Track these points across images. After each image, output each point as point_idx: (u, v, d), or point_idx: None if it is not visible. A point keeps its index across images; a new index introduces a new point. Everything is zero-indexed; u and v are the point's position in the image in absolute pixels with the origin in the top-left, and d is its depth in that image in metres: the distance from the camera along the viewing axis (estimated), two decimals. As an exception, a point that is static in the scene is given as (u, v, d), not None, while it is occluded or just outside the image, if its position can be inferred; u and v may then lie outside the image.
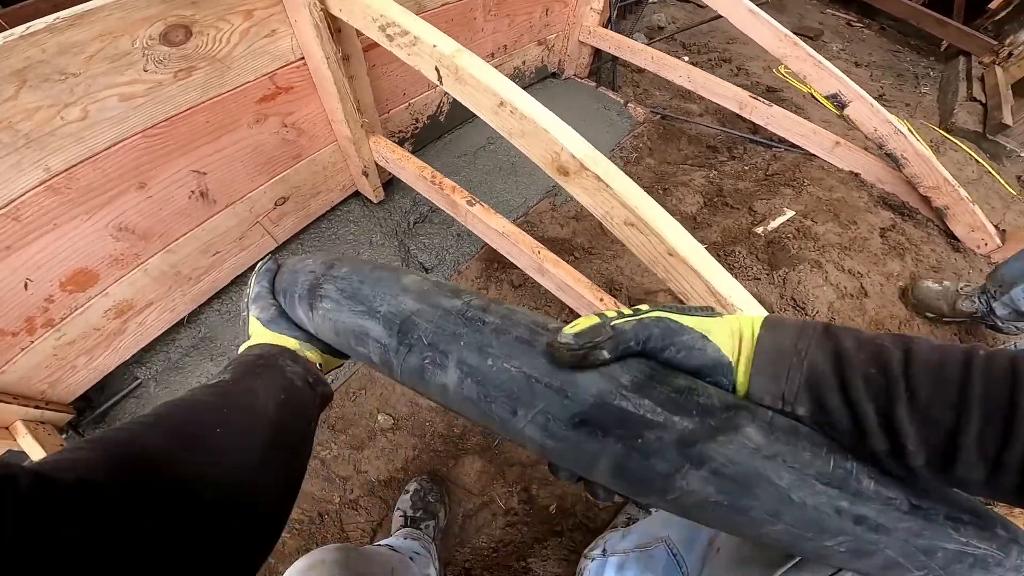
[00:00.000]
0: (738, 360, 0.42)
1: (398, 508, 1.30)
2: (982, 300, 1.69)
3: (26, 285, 1.06)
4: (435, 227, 1.84)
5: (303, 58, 1.24)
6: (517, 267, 1.51)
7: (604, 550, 1.14)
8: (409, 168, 1.52)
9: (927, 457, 0.34)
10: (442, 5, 1.54)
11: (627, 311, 0.44)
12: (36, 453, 1.20)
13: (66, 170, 0.97)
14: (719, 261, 1.69)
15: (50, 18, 0.82)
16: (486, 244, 1.79)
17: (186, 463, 0.40)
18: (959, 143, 2.68)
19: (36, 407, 1.24)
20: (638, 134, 2.38)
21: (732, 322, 0.44)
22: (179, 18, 0.95)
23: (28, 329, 1.13)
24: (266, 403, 0.50)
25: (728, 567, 0.66)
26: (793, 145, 2.21)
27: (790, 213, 2.03)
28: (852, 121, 1.82)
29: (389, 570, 0.84)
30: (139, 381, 1.45)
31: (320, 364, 0.64)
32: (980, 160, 2.60)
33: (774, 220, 2.02)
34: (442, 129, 2.05)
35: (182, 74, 1.02)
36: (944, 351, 0.36)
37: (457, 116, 2.06)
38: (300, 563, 0.71)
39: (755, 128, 2.48)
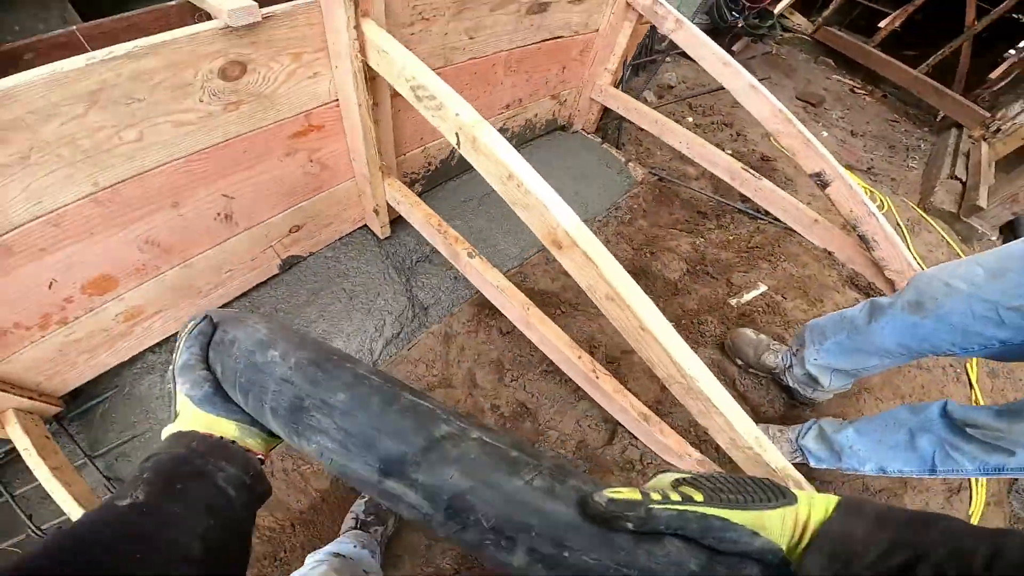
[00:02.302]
0: (798, 542, 0.45)
1: (352, 511, 1.40)
2: (785, 357, 1.78)
3: (51, 285, 1.14)
4: (435, 268, 1.94)
5: (337, 99, 1.35)
6: (507, 316, 1.63)
7: None
8: (418, 214, 1.63)
9: None
10: (469, 59, 1.68)
11: (675, 496, 0.46)
12: (22, 442, 1.26)
13: (112, 186, 1.07)
14: (692, 328, 1.79)
15: (129, 45, 0.91)
16: (480, 291, 1.91)
17: None
18: (934, 224, 2.89)
19: (29, 398, 1.30)
20: (635, 194, 2.52)
21: (797, 510, 0.46)
22: (238, 56, 1.06)
23: (41, 325, 1.20)
24: (189, 544, 0.41)
25: None
26: (776, 218, 2.37)
27: (763, 288, 2.20)
28: (831, 200, 1.98)
29: None
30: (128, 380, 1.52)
31: (262, 454, 0.58)
32: (951, 243, 2.80)
33: (748, 293, 2.18)
34: (451, 173, 2.16)
35: (231, 107, 1.13)
36: None
37: (467, 162, 2.18)
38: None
39: (744, 196, 2.65)
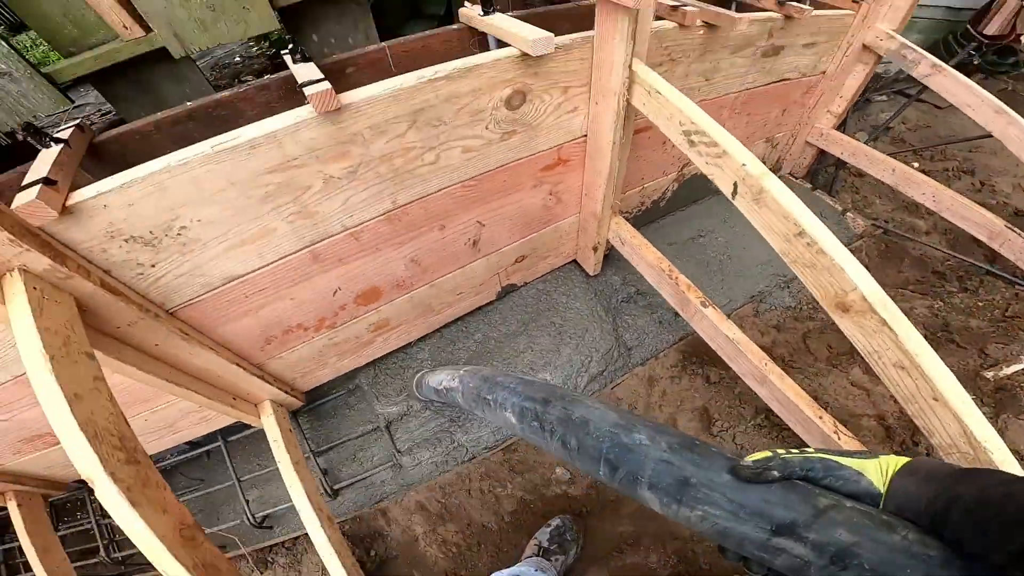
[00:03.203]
0: (886, 489, 0.58)
1: (535, 537, 1.47)
2: None
3: (335, 292, 1.32)
4: (639, 309, 1.94)
5: (586, 135, 1.43)
6: (715, 364, 1.56)
7: None
8: (648, 256, 1.64)
9: None
10: (699, 100, 1.69)
11: (796, 451, 0.64)
12: (273, 432, 1.45)
13: (404, 205, 1.22)
14: None
15: (449, 67, 1.04)
16: (687, 336, 1.87)
17: None
18: None
19: (285, 391, 1.51)
20: (855, 248, 2.32)
21: (883, 461, 0.61)
22: (523, 85, 1.17)
23: (316, 327, 1.40)
24: None
25: None
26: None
27: (1030, 363, 1.88)
28: None
29: None
30: (356, 385, 1.74)
31: None
32: None
33: (1009, 367, 1.87)
34: (659, 213, 2.19)
35: (506, 136, 1.25)
36: None
37: (676, 203, 2.19)
38: None
39: (992, 256, 2.31)
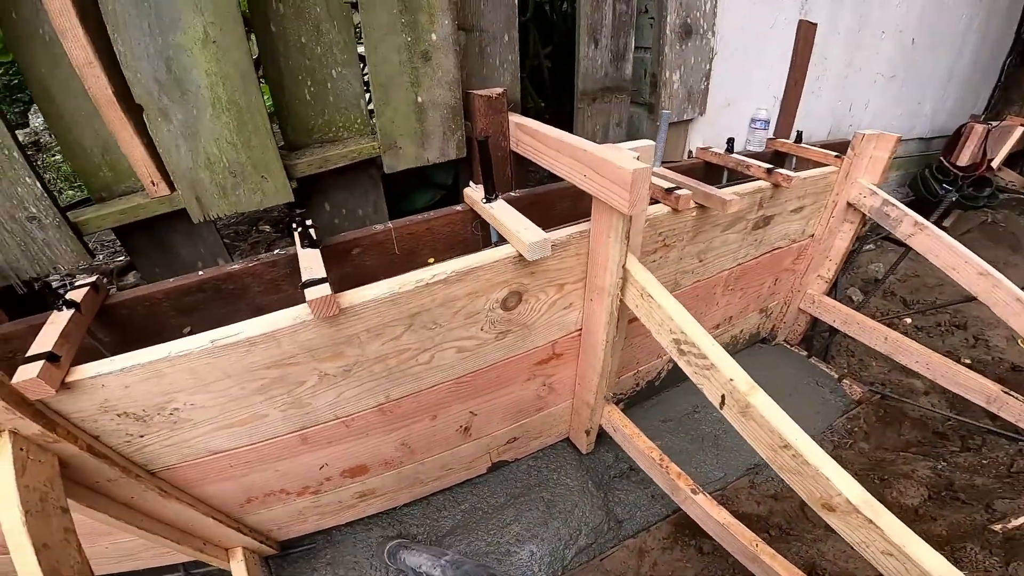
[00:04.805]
0: None
1: None
2: None
3: (321, 467, 1.37)
4: (632, 485, 1.96)
5: (580, 330, 1.50)
6: (709, 536, 1.59)
7: None
8: (638, 444, 1.68)
9: None
10: (694, 282, 1.81)
11: None
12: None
13: (397, 399, 1.28)
14: (944, 555, 1.59)
15: (448, 268, 1.11)
16: (680, 510, 1.86)
17: None
18: None
19: (260, 541, 1.53)
20: (853, 415, 2.35)
21: None
22: (519, 285, 1.25)
23: (299, 493, 1.43)
24: None
25: None
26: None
27: (1039, 514, 1.87)
28: None
29: None
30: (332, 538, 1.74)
31: None
32: None
33: (1017, 518, 1.87)
34: (653, 392, 2.26)
35: (500, 336, 1.33)
36: None
37: (669, 382, 2.28)
38: None
39: (994, 414, 2.33)
